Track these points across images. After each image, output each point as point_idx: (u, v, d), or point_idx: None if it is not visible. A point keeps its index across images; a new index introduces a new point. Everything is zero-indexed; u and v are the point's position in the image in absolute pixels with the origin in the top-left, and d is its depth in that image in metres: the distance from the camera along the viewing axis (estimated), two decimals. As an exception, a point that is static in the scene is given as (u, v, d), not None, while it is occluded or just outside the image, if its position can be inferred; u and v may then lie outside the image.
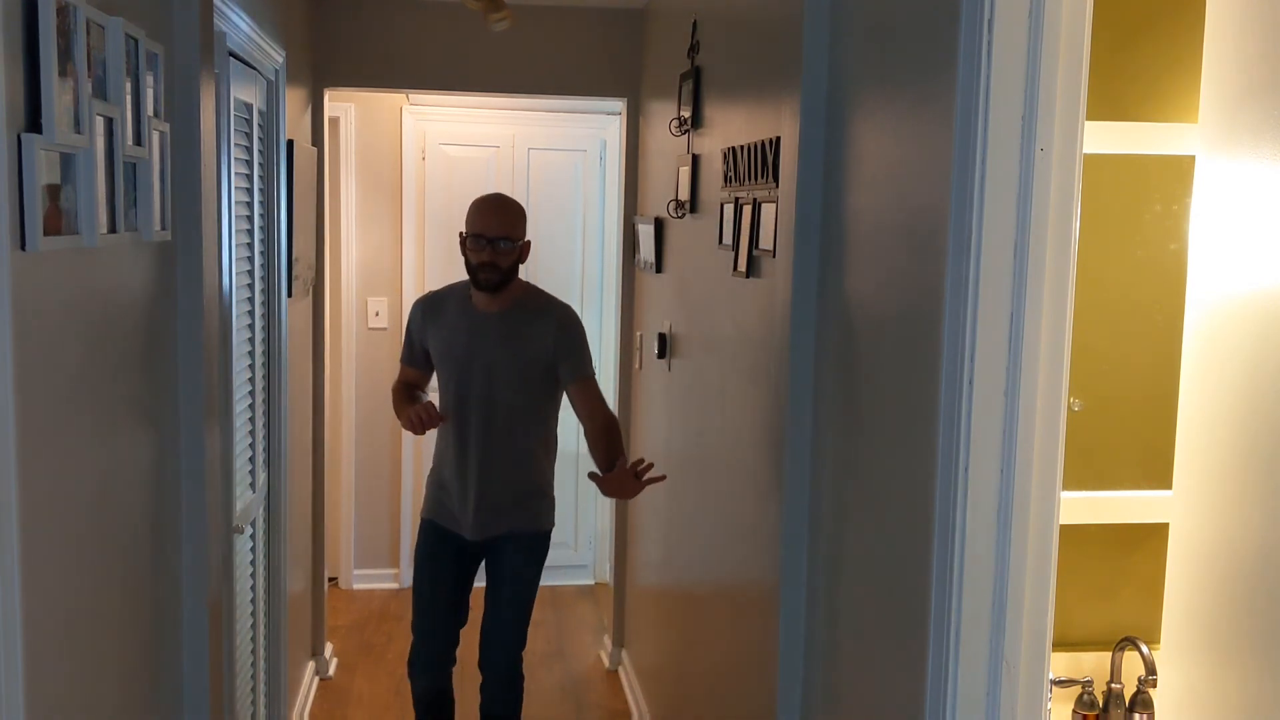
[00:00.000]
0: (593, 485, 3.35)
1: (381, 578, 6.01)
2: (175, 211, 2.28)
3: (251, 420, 3.29)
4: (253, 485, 3.33)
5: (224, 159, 2.82)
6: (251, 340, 3.29)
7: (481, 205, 3.37)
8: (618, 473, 3.22)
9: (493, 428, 3.38)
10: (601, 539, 6.05)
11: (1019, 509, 1.62)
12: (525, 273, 5.97)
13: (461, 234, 3.38)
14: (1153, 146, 2.37)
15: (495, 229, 3.30)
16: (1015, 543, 1.63)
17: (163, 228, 2.14)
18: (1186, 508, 2.34)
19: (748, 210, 2.77)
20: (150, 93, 2.02)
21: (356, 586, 5.95)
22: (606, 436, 3.34)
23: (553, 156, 5.96)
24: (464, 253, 3.36)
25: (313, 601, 4.73)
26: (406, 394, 3.51)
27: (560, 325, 3.40)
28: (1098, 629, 2.46)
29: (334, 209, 5.65)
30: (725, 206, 3.04)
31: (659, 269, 4.16)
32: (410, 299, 6.06)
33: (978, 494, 1.63)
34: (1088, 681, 2.39)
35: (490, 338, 3.37)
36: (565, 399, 3.51)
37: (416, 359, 3.57)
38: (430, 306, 3.55)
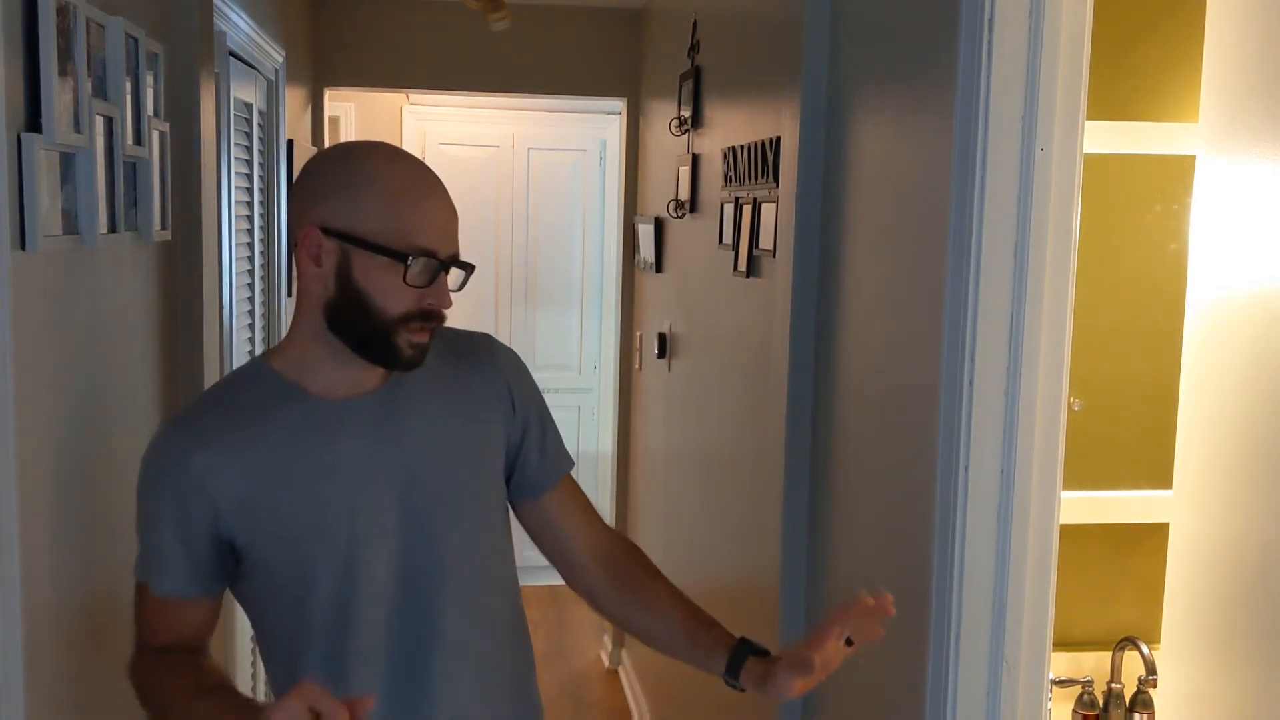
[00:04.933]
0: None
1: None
2: (175, 211, 2.28)
3: (251, 420, 3.28)
4: (253, 485, 3.32)
5: (224, 159, 2.82)
6: (251, 340, 3.28)
7: (423, 190, 1.45)
8: (821, 634, 1.45)
9: (452, 618, 1.57)
10: (601, 539, 6.05)
11: (1019, 509, 1.62)
12: (525, 271, 6.10)
13: (328, 236, 1.41)
14: (1153, 146, 2.37)
15: (454, 240, 1.49)
16: (1015, 543, 1.63)
17: (163, 228, 2.14)
18: (1186, 508, 2.34)
19: (748, 210, 2.77)
20: (150, 92, 2.02)
21: (356, 586, 5.95)
22: (650, 576, 1.73)
23: (553, 156, 5.96)
24: (345, 290, 1.42)
25: (313, 601, 4.72)
26: (194, 680, 1.43)
27: (510, 373, 1.67)
28: (1098, 629, 2.46)
29: (334, 209, 5.64)
30: (725, 206, 3.04)
31: (659, 269, 4.16)
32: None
33: (978, 494, 1.63)
34: (1088, 681, 2.39)
35: (394, 436, 1.51)
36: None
37: (185, 576, 1.47)
38: (201, 446, 1.45)
